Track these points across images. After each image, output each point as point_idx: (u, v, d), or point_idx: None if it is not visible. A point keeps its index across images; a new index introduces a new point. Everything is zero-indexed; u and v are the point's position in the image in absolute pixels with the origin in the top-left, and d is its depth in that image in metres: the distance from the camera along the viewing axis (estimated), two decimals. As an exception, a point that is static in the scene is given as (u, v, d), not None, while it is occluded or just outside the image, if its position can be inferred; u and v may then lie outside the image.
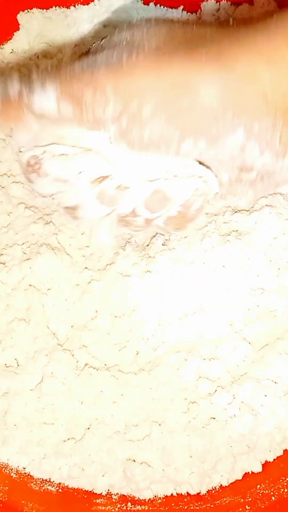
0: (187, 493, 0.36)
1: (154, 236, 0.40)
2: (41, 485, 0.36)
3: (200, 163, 0.32)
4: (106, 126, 0.30)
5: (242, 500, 0.35)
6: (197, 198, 0.33)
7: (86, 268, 0.40)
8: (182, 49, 0.29)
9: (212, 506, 0.35)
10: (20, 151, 0.33)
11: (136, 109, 0.28)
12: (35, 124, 0.31)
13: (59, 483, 0.36)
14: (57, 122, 0.30)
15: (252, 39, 0.28)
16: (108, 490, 0.36)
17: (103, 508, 0.36)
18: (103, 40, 0.32)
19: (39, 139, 0.33)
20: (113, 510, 0.36)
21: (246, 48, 0.28)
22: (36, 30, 0.47)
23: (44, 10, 0.48)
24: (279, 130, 0.29)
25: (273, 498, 0.35)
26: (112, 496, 0.36)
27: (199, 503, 0.36)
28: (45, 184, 0.33)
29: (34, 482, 0.36)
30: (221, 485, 0.36)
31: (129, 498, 0.36)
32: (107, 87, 0.28)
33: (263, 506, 0.35)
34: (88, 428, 0.36)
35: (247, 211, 0.40)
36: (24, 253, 0.40)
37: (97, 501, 0.36)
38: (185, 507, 0.36)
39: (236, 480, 0.36)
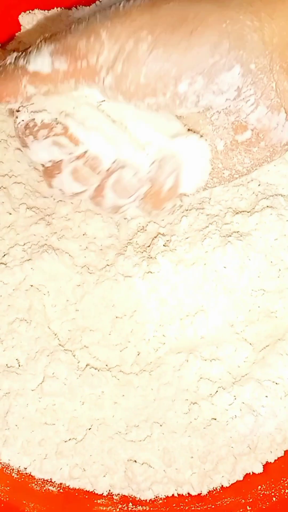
0: (188, 493, 0.36)
1: (156, 237, 0.40)
2: (42, 485, 0.36)
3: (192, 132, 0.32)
4: (101, 76, 0.29)
5: (243, 500, 0.35)
6: (168, 175, 0.32)
7: (87, 269, 0.40)
8: None
9: (213, 506, 0.35)
10: (18, 111, 0.33)
11: (133, 47, 0.28)
12: (31, 90, 0.31)
13: (60, 484, 0.36)
14: (52, 82, 0.30)
15: None
16: (109, 490, 0.36)
17: (104, 508, 0.36)
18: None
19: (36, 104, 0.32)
20: (114, 510, 0.36)
21: None
22: (37, 31, 0.47)
23: (46, 11, 0.48)
24: (275, 76, 0.29)
25: (274, 499, 0.35)
26: (113, 496, 0.36)
27: (200, 503, 0.36)
28: (40, 149, 0.33)
29: (35, 483, 0.36)
30: (222, 485, 0.36)
31: (130, 499, 0.36)
32: (101, 32, 0.28)
33: (264, 507, 0.35)
34: (89, 429, 0.36)
35: (248, 212, 0.40)
36: (26, 254, 0.40)
37: (98, 501, 0.36)
38: (186, 508, 0.36)
39: (237, 481, 0.36)
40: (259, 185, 0.41)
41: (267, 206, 0.40)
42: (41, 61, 0.30)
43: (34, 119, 0.32)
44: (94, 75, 0.29)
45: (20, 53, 0.31)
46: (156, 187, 0.33)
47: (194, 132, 0.33)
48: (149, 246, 0.40)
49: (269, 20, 0.28)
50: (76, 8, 0.48)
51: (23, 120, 0.32)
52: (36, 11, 0.48)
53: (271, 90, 0.29)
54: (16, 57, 0.31)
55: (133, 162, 0.32)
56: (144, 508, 0.36)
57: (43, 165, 0.34)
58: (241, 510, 0.35)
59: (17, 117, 0.33)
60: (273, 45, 0.28)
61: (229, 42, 0.28)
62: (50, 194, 0.35)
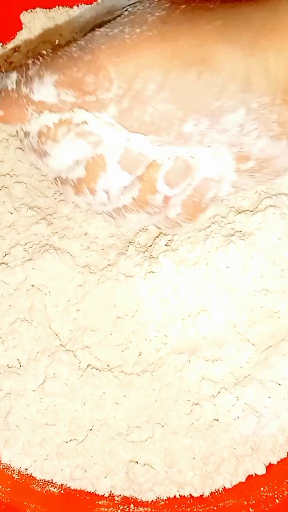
0: (190, 495, 0.36)
1: (157, 236, 0.40)
2: (43, 486, 0.36)
3: None
4: (108, 109, 0.28)
5: (245, 502, 0.35)
6: (213, 185, 0.31)
7: (88, 268, 0.39)
8: (186, 21, 0.28)
9: (215, 508, 0.35)
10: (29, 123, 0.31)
11: (141, 87, 0.27)
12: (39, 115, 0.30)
13: (61, 485, 0.36)
14: (59, 110, 0.29)
15: (255, 13, 0.28)
16: (111, 491, 0.36)
17: (105, 509, 0.36)
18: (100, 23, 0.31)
19: None
20: (115, 511, 0.36)
21: (250, 21, 0.28)
22: (39, 29, 0.47)
23: (47, 9, 0.48)
24: (276, 109, 0.28)
25: (277, 500, 0.35)
26: (115, 497, 0.36)
27: (202, 505, 0.35)
28: (64, 149, 0.30)
29: (36, 483, 0.36)
30: (224, 487, 0.36)
31: (132, 500, 0.36)
32: (110, 68, 0.27)
33: (266, 509, 0.35)
34: (90, 429, 0.36)
35: (250, 211, 0.40)
36: (27, 254, 0.40)
37: (99, 502, 0.36)
38: (188, 509, 0.36)
39: (239, 482, 0.36)
40: (262, 184, 0.41)
41: (270, 205, 0.39)
42: (46, 91, 0.29)
43: (45, 124, 0.30)
44: (102, 109, 0.29)
45: (20, 76, 0.30)
46: (199, 194, 0.32)
47: None
48: (150, 245, 0.40)
49: (277, 57, 0.28)
50: (78, 6, 0.48)
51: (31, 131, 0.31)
52: (37, 9, 0.47)
53: (273, 122, 0.29)
54: (17, 82, 0.29)
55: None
56: (146, 509, 0.36)
57: (59, 180, 0.32)
58: (243, 512, 0.35)
59: (25, 133, 0.31)
60: (277, 83, 0.28)
61: (235, 86, 0.28)
62: (89, 200, 0.32)
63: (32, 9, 0.47)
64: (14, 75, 0.30)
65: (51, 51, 0.29)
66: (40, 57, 0.29)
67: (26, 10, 0.47)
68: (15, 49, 0.47)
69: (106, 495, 0.36)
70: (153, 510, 0.36)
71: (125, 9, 0.30)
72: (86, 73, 0.28)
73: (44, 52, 0.29)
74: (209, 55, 0.27)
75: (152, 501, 0.36)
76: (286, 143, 0.30)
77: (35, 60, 0.29)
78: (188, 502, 0.36)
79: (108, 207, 0.32)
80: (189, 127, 0.28)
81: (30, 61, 0.30)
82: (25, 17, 0.47)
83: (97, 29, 0.29)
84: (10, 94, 0.29)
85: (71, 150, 0.30)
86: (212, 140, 0.29)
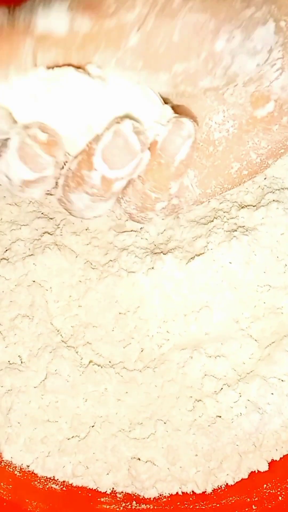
0: (193, 492, 0.36)
1: (162, 233, 0.40)
2: (45, 483, 0.36)
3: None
4: (130, 36, 0.24)
5: (248, 499, 0.35)
6: (182, 142, 0.26)
7: (90, 264, 0.39)
8: None
9: (217, 505, 0.35)
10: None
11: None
12: (30, 60, 0.24)
13: (63, 481, 0.36)
14: (65, 49, 0.24)
15: None
16: (113, 488, 0.36)
17: (107, 506, 0.36)
18: None
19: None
20: (117, 508, 0.36)
21: None
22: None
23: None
24: None
25: (280, 497, 0.35)
26: (117, 494, 0.36)
27: (204, 502, 0.35)
28: None
29: (38, 480, 0.36)
30: (227, 484, 0.35)
31: (134, 497, 0.36)
32: None
33: (269, 506, 0.35)
34: (92, 426, 0.36)
35: (253, 206, 0.40)
36: (28, 249, 0.40)
37: (102, 499, 0.36)
38: (191, 506, 0.35)
39: (242, 479, 0.35)
40: (265, 178, 0.41)
41: (273, 200, 0.39)
42: (56, 17, 0.23)
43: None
44: (122, 38, 0.24)
45: (12, 8, 0.24)
46: (167, 155, 0.27)
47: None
48: (153, 241, 0.40)
49: None
50: None
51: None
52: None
53: None
54: (11, 9, 0.24)
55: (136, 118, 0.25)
56: (148, 506, 0.36)
57: None
58: (246, 509, 0.35)
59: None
60: None
61: None
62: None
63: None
64: (5, 9, 0.24)
65: None
66: None
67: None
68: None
69: (108, 492, 0.36)
70: (155, 507, 0.36)
71: None
72: None
73: None
74: None
75: (155, 498, 0.36)
76: None
77: None
78: (191, 499, 0.36)
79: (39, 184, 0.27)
80: (221, 43, 0.25)
81: None
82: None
83: None
84: (3, 24, 0.23)
85: None
86: (238, 69, 0.26)
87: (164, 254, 0.38)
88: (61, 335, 0.38)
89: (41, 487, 0.36)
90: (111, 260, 0.39)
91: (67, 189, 0.27)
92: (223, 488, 0.36)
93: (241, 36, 0.25)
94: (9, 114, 0.25)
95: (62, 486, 0.36)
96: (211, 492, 0.35)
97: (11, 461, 0.36)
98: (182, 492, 0.36)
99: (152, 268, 0.38)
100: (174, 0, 0.24)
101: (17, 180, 0.26)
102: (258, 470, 0.36)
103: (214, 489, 0.35)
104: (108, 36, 0.24)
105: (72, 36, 0.24)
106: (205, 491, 0.35)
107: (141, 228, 0.40)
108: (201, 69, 0.25)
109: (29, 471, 0.36)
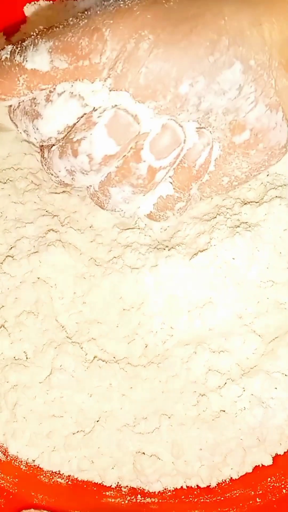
0: (197, 486, 0.36)
1: (165, 229, 0.40)
2: (51, 477, 0.36)
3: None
4: (102, 76, 0.28)
5: (252, 492, 0.35)
6: (203, 149, 0.31)
7: (94, 261, 0.39)
8: None
9: (222, 499, 0.35)
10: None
11: (134, 47, 0.27)
12: (29, 88, 0.30)
13: (69, 476, 0.36)
14: (51, 81, 0.29)
15: None
16: (118, 482, 0.36)
17: (112, 500, 0.36)
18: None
19: None
20: (122, 502, 0.36)
21: None
22: (42, 22, 0.47)
23: (51, 1, 0.47)
24: (274, 73, 0.28)
25: (284, 491, 0.35)
26: (122, 488, 0.36)
27: (209, 496, 0.36)
28: (57, 110, 0.30)
29: (44, 475, 0.36)
30: (231, 478, 0.36)
31: (139, 491, 0.36)
32: (104, 31, 0.27)
33: (273, 499, 0.35)
34: (97, 421, 0.36)
35: (256, 202, 0.40)
36: (32, 247, 0.40)
37: (107, 493, 0.36)
38: (195, 500, 0.36)
39: (246, 473, 0.36)
40: (267, 175, 0.41)
41: (276, 197, 0.39)
42: (39, 59, 0.28)
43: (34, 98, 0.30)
44: (96, 75, 0.28)
45: (15, 46, 0.30)
46: (189, 160, 0.31)
47: None
48: (156, 238, 0.40)
49: (268, 16, 0.28)
50: (82, -2, 0.48)
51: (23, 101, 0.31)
52: (41, 1, 0.47)
53: (270, 87, 0.29)
54: (11, 51, 0.29)
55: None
56: (153, 500, 0.36)
57: (46, 148, 0.31)
58: (250, 502, 0.35)
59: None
60: (272, 41, 0.28)
61: (228, 39, 0.27)
62: (72, 165, 0.30)
63: (35, 1, 0.47)
64: (9, 47, 0.30)
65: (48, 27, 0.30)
66: (36, 30, 0.30)
67: (30, 2, 0.47)
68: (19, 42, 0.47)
69: (114, 486, 0.36)
70: (160, 501, 0.36)
71: None
72: (80, 37, 0.28)
73: (41, 27, 0.30)
74: (201, 11, 0.28)
75: (159, 492, 0.36)
76: (282, 116, 0.30)
77: (32, 34, 0.30)
78: (195, 493, 0.36)
79: (90, 177, 0.31)
80: (185, 87, 0.28)
81: (26, 39, 0.30)
82: (28, 9, 0.47)
83: (94, 6, 0.30)
84: (3, 63, 0.29)
85: (63, 111, 0.30)
86: (209, 105, 0.29)
87: (167, 250, 0.38)
88: (66, 331, 0.38)
89: (46, 481, 0.36)
90: (115, 257, 0.39)
91: (107, 183, 0.31)
92: (227, 482, 0.36)
93: (205, 80, 0.28)
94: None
95: (67, 480, 0.36)
96: (215, 486, 0.36)
97: (17, 456, 0.36)
98: (187, 486, 0.36)
99: (156, 264, 0.38)
100: (140, 48, 0.27)
101: (99, 157, 0.30)
102: (262, 464, 0.36)
103: (219, 483, 0.36)
104: (85, 73, 0.28)
105: (54, 71, 0.29)
106: (210, 485, 0.36)
107: (145, 225, 0.40)
108: (171, 107, 0.29)
109: (34, 465, 0.36)
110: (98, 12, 0.28)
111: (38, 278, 0.39)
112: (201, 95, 0.28)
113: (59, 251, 0.39)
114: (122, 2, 0.28)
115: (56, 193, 0.42)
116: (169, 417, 0.36)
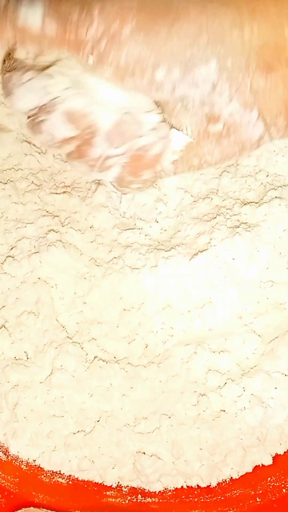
0: (197, 485, 0.36)
1: (165, 230, 0.40)
2: (51, 477, 0.36)
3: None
4: (85, 51, 0.30)
5: (252, 492, 0.35)
6: (157, 141, 0.32)
7: (95, 261, 0.39)
8: None
9: (222, 498, 0.35)
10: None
11: (117, 29, 0.29)
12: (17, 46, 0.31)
13: (69, 475, 0.36)
14: (37, 43, 0.30)
15: None
16: (118, 482, 0.36)
17: (113, 500, 0.36)
18: None
19: None
20: (123, 502, 0.36)
21: None
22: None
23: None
24: (251, 74, 0.29)
25: (284, 490, 0.35)
26: (122, 488, 0.36)
27: (209, 495, 0.36)
28: (27, 91, 0.32)
29: (44, 474, 0.36)
30: (231, 477, 0.36)
31: (139, 491, 0.36)
32: (94, 8, 0.29)
33: (273, 499, 0.35)
34: (97, 421, 0.36)
35: (256, 203, 0.40)
36: (33, 247, 0.40)
37: (107, 493, 0.36)
38: (195, 500, 0.36)
39: (246, 473, 0.36)
40: (267, 175, 0.41)
41: (276, 197, 0.39)
42: (32, 17, 0.29)
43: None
44: (79, 49, 0.30)
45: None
46: (142, 149, 0.32)
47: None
48: (156, 238, 0.40)
49: (249, 18, 0.29)
50: None
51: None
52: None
53: (245, 88, 0.30)
54: (5, 1, 0.30)
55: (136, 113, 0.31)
56: (153, 500, 0.36)
57: (28, 117, 0.33)
58: (250, 501, 0.35)
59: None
60: (251, 44, 0.29)
61: (208, 37, 0.28)
62: (38, 140, 0.33)
63: None
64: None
65: None
66: None
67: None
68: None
69: (114, 486, 0.36)
70: (160, 500, 0.36)
71: None
72: (72, 8, 0.29)
73: None
74: (184, 6, 0.29)
75: (160, 491, 0.36)
76: (256, 116, 0.30)
77: None
78: (195, 492, 0.36)
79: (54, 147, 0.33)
80: (161, 74, 0.29)
81: None
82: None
83: None
84: None
85: (32, 93, 0.31)
86: (183, 94, 0.30)
87: (167, 251, 0.38)
88: (66, 331, 0.38)
89: (47, 480, 0.36)
90: (115, 257, 0.39)
91: (69, 157, 0.33)
92: (227, 481, 0.36)
93: (180, 71, 0.29)
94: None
95: (68, 480, 0.36)
96: (215, 486, 0.36)
97: (17, 455, 0.36)
98: (187, 486, 0.36)
99: (156, 265, 0.38)
100: (123, 31, 0.29)
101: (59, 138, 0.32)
102: (262, 464, 0.36)
103: (219, 483, 0.36)
104: (69, 45, 0.30)
105: (42, 37, 0.29)
106: (210, 485, 0.36)
107: (144, 225, 0.40)
108: (146, 88, 0.30)
109: (35, 465, 0.36)
110: None
111: (39, 278, 0.39)
112: (175, 84, 0.30)
113: (59, 251, 0.39)
114: None
115: (56, 193, 0.42)
116: (169, 417, 0.36)
